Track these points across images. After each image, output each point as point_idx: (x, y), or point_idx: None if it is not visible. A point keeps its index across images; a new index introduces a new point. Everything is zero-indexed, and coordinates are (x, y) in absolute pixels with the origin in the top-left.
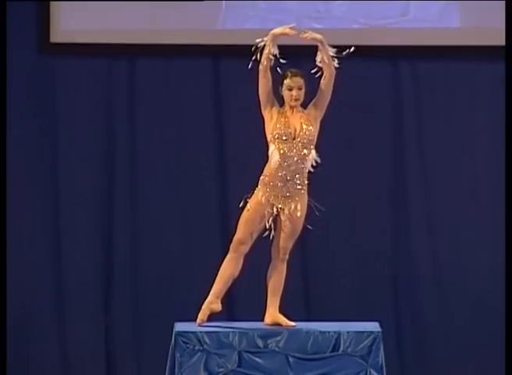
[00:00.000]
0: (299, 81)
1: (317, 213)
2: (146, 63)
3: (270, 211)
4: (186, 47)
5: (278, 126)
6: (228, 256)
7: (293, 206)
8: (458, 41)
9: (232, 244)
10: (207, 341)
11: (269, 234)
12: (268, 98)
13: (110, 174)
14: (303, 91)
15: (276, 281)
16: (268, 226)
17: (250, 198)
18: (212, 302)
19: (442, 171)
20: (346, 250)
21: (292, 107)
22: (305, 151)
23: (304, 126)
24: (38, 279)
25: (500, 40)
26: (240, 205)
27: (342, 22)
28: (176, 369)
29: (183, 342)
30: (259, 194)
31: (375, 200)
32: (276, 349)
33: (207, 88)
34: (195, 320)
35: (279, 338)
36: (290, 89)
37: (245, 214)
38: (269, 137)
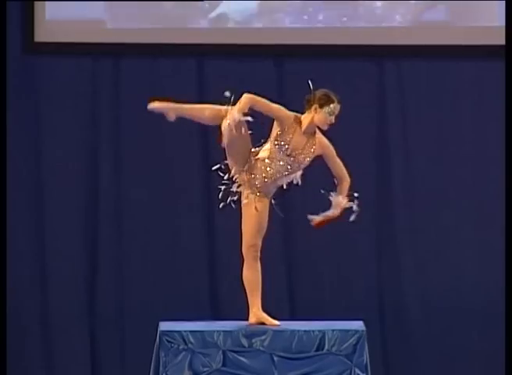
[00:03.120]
0: (339, 109)
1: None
2: (130, 62)
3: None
4: (171, 46)
5: (283, 138)
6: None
7: (254, 199)
8: (443, 40)
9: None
10: (191, 340)
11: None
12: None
13: (94, 173)
14: (317, 119)
15: (254, 280)
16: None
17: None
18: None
19: (427, 174)
20: (331, 249)
21: (313, 128)
22: (292, 170)
23: (306, 152)
24: (22, 278)
25: (487, 39)
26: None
27: (327, 21)
28: (161, 369)
29: (168, 341)
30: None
31: (360, 199)
32: (261, 348)
33: (191, 88)
34: (180, 320)
35: (263, 337)
36: (331, 114)
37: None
38: (272, 136)
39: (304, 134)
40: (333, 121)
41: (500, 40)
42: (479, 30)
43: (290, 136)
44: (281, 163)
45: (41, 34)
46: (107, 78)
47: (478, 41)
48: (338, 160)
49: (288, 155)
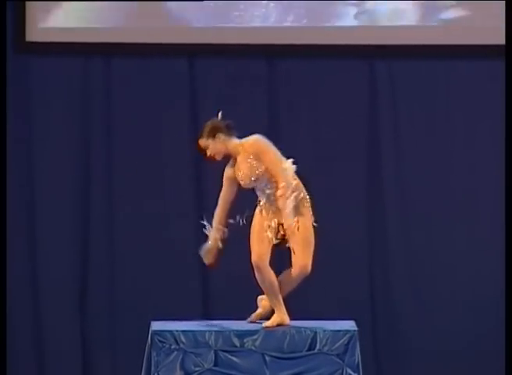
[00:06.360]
0: (200, 145)
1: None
2: (121, 62)
3: (271, 224)
4: (162, 46)
5: (237, 174)
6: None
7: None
8: (435, 40)
9: (254, 267)
10: (183, 340)
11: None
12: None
13: (86, 173)
14: (212, 148)
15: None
16: (273, 238)
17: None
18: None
19: (419, 173)
20: (323, 249)
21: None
22: (268, 191)
23: (251, 171)
24: (13, 278)
25: (480, 39)
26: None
27: (317, 20)
28: (153, 368)
29: (160, 341)
30: (257, 210)
31: (351, 199)
32: (253, 348)
33: (182, 87)
34: (171, 319)
35: (255, 337)
36: (205, 154)
37: (252, 233)
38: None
39: (240, 160)
40: (207, 156)
41: (494, 39)
42: (472, 29)
43: (237, 167)
44: (260, 192)
45: (33, 34)
46: (98, 78)
47: (471, 41)
48: None
49: (255, 181)
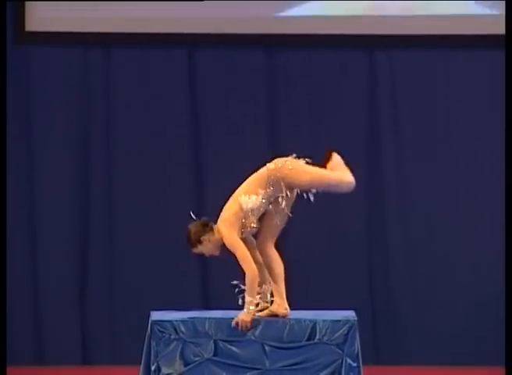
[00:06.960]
0: (196, 253)
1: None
2: (121, 52)
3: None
4: (162, 36)
5: None
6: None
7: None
8: (434, 31)
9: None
10: (183, 329)
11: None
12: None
13: (85, 163)
14: (206, 251)
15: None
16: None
17: None
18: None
19: (417, 160)
20: (322, 240)
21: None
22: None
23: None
24: (13, 276)
25: (479, 28)
26: None
27: (320, 9)
28: (152, 358)
29: (159, 331)
30: None
31: (351, 194)
32: (252, 338)
33: (182, 77)
34: (171, 309)
35: (255, 327)
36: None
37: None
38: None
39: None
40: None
41: (494, 29)
42: (471, 19)
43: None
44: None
45: (32, 24)
46: (98, 67)
47: (471, 31)
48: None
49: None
